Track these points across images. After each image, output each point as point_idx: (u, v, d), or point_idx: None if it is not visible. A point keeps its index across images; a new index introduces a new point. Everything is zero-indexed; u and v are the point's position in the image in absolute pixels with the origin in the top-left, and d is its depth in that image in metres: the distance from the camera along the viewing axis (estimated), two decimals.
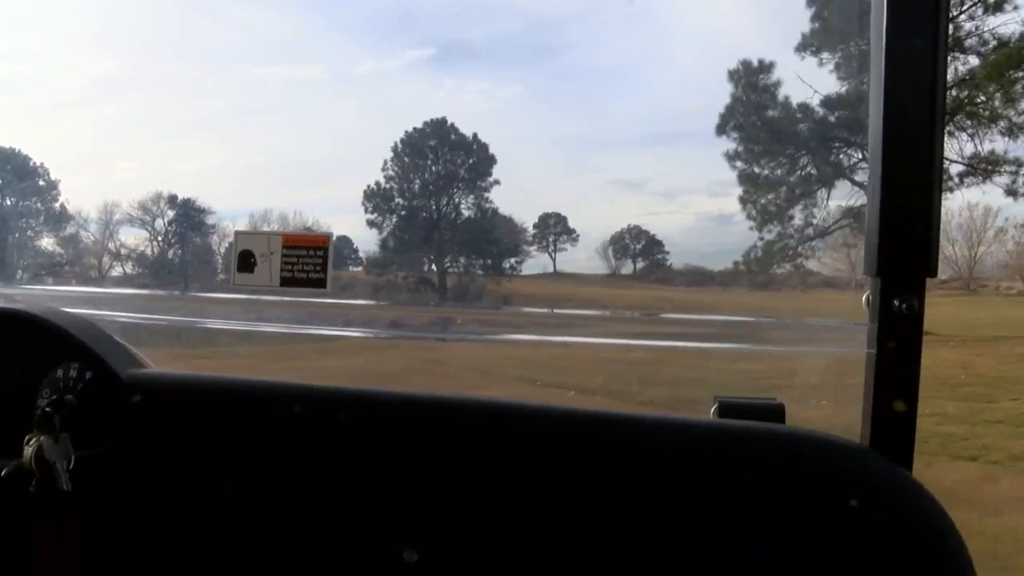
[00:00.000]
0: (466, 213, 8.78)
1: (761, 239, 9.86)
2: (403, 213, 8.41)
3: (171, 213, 7.56)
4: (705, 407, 0.77)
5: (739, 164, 9.81)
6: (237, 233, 0.81)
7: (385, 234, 8.28)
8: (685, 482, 0.68)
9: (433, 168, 8.70)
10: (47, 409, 0.72)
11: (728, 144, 9.76)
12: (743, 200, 10.03)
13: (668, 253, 8.39)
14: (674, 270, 8.09)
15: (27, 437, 0.72)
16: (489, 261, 9.44)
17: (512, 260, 9.40)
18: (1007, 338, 7.93)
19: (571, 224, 8.65)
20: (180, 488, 0.75)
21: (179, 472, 0.75)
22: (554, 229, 8.62)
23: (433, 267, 8.93)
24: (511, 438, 0.70)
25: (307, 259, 0.82)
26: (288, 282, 0.82)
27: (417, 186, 8.66)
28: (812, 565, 0.65)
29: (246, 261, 0.82)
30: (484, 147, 9.22)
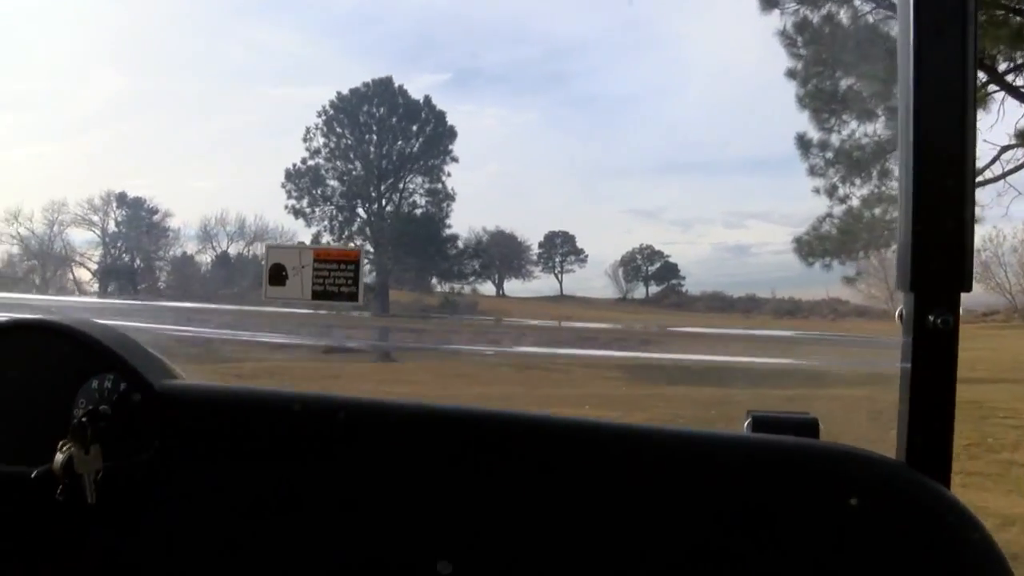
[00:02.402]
0: (418, 201, 9.00)
1: (843, 201, 7.97)
2: (340, 202, 8.59)
3: (122, 214, 8.12)
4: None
5: (799, 69, 7.64)
6: (268, 247, 1.05)
7: (317, 228, 8.43)
8: (720, 497, 0.84)
9: (377, 142, 8.88)
10: (83, 419, 0.92)
11: (781, 20, 7.43)
12: (803, 144, 7.75)
13: (684, 279, 9.03)
14: (691, 296, 8.74)
15: (61, 443, 0.93)
16: (446, 265, 9.62)
17: (475, 264, 9.62)
18: None
19: (579, 244, 9.22)
20: (211, 498, 0.97)
21: (210, 482, 0.97)
22: (560, 249, 9.17)
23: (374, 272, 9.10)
24: (541, 452, 0.89)
25: (338, 272, 1.06)
26: (320, 295, 1.05)
27: (359, 167, 8.84)
28: None
29: (278, 275, 1.05)
30: (440, 116, 9.40)
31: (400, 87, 9.34)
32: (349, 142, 8.92)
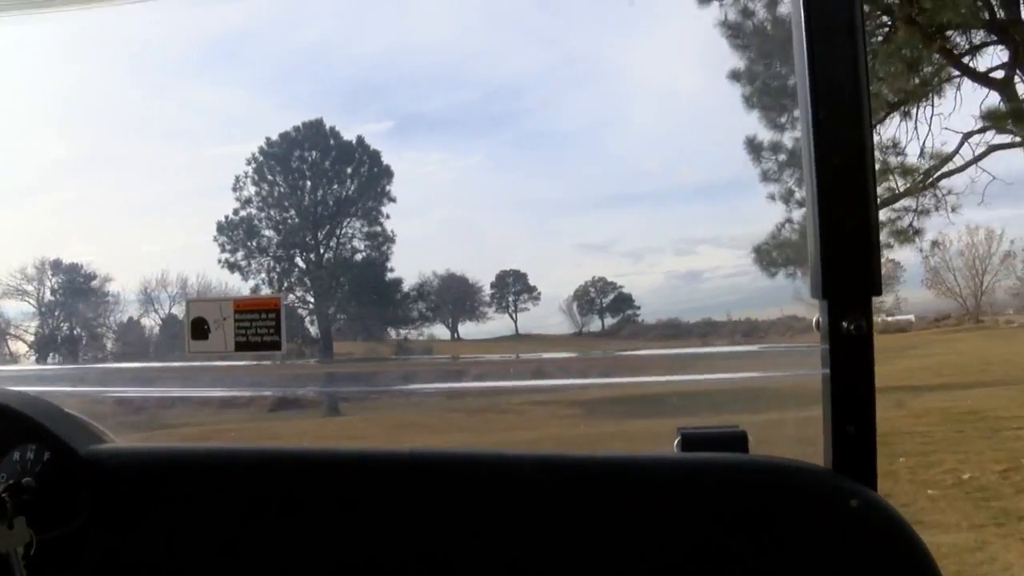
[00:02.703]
0: (358, 246, 9.06)
1: (801, 204, 7.78)
2: (277, 252, 8.58)
3: (58, 281, 8.45)
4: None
5: (743, 68, 7.95)
6: (188, 301, 1.12)
7: (255, 281, 8.39)
8: (653, 520, 0.89)
9: (311, 187, 8.95)
10: (2, 495, 0.95)
11: (721, 11, 7.75)
12: (753, 147, 8.01)
13: (639, 308, 9.54)
14: (646, 324, 9.22)
15: None
16: (392, 310, 9.66)
17: (421, 307, 9.69)
18: None
19: (531, 282, 9.75)
20: (146, 564, 1.02)
21: (145, 548, 1.02)
22: (513, 288, 9.66)
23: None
24: (478, 487, 0.95)
25: (260, 322, 1.14)
26: (243, 347, 1.13)
27: (294, 214, 8.88)
28: None
29: (200, 328, 1.12)
30: (375, 156, 9.52)
31: (332, 129, 9.44)
32: (283, 189, 8.96)
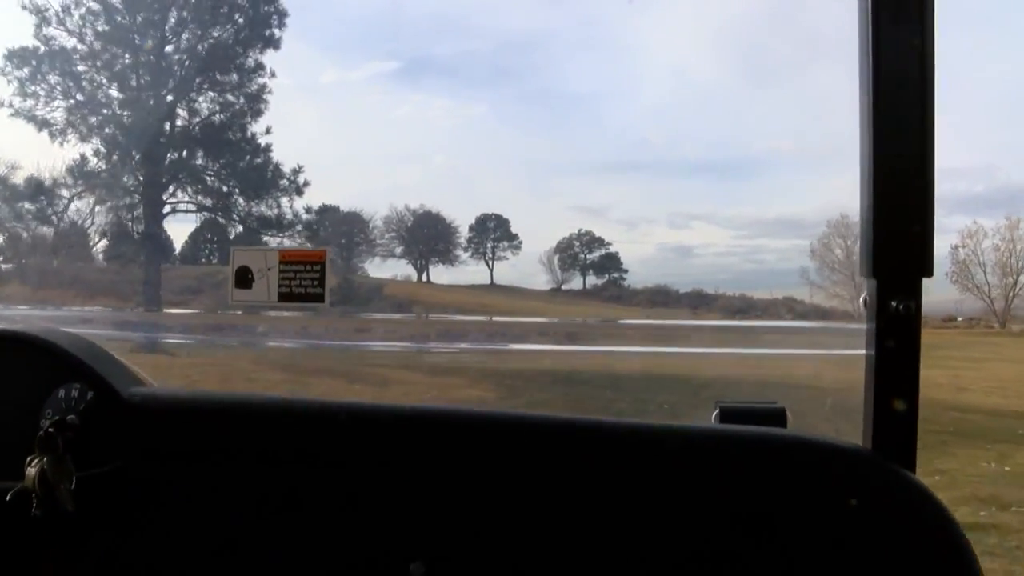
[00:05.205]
0: (230, 114, 8.96)
1: None
2: (114, 110, 8.38)
3: None
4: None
5: None
6: (234, 249, 1.44)
7: (76, 150, 8.14)
8: (688, 489, 1.14)
9: (173, 27, 8.74)
10: (50, 430, 1.22)
11: None
12: None
13: (627, 272, 10.78)
14: (633, 289, 10.59)
15: (29, 459, 1.23)
16: (252, 207, 9.62)
17: (299, 209, 9.72)
18: None
19: (513, 229, 10.80)
20: (182, 506, 1.33)
21: (181, 490, 1.34)
22: (493, 234, 10.67)
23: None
24: (514, 448, 1.22)
25: (304, 274, 1.47)
26: (286, 297, 1.45)
27: (130, 54, 8.64)
28: (816, 569, 1.08)
29: (244, 277, 1.44)
30: None
31: None
32: (123, 19, 8.74)
